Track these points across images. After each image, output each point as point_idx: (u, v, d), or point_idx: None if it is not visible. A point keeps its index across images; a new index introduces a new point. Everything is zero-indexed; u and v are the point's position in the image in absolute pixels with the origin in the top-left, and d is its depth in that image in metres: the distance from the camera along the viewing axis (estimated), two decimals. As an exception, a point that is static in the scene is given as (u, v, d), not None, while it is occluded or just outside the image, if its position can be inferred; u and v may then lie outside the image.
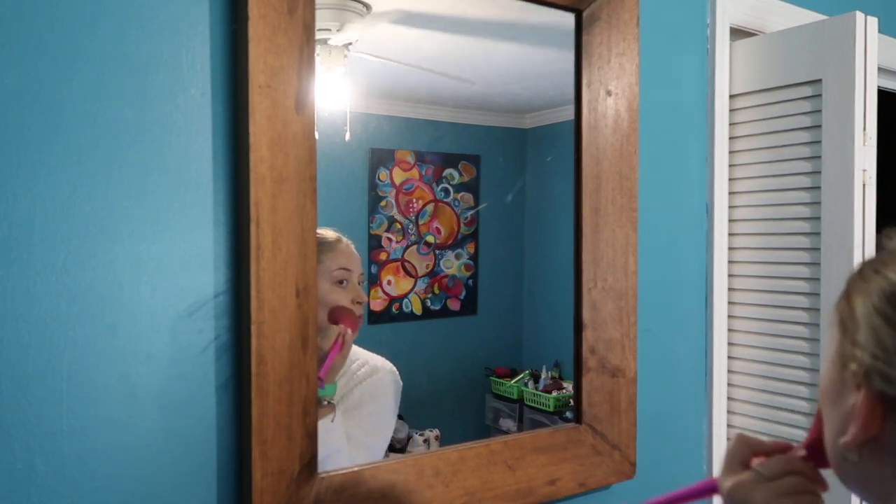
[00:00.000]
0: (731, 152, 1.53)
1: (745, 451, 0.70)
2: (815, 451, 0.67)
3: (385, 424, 1.16)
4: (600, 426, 1.25)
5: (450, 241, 1.30)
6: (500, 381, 1.38)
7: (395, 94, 1.23)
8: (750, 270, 1.53)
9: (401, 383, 1.17)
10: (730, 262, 1.54)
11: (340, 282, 1.11)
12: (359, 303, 1.14)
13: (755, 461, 0.69)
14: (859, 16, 1.37)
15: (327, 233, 1.11)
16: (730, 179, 1.53)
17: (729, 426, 1.54)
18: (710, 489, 0.73)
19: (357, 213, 1.22)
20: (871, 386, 0.55)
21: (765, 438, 0.72)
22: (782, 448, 0.71)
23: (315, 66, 0.94)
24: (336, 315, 1.09)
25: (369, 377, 1.14)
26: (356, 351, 1.15)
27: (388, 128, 1.22)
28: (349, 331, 1.08)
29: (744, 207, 1.53)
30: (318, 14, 0.95)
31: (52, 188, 0.81)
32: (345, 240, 1.14)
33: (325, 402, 1.05)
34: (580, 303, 1.23)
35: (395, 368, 1.17)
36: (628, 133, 1.27)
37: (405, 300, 1.26)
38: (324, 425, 1.01)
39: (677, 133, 1.45)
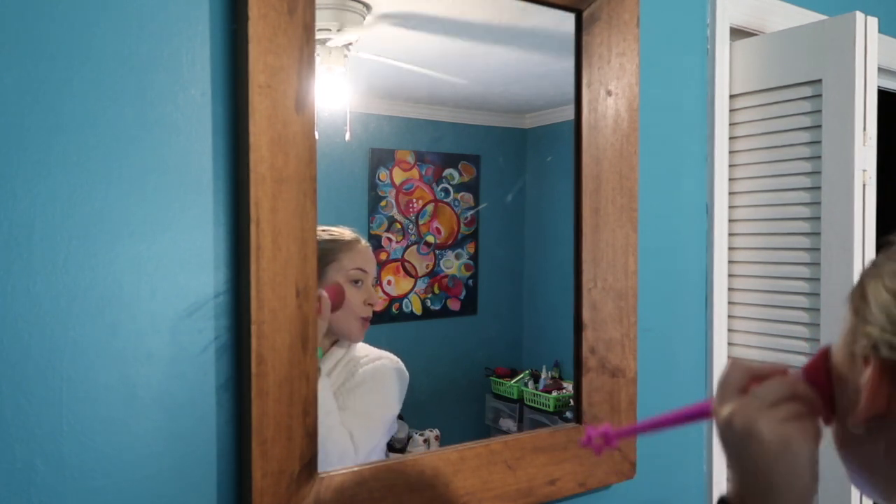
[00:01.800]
0: (731, 152, 1.53)
1: (741, 376, 0.66)
2: (814, 376, 0.65)
3: (387, 400, 1.17)
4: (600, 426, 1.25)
5: (450, 241, 1.30)
6: (500, 381, 1.38)
7: (395, 94, 1.23)
8: (750, 270, 1.53)
9: (406, 374, 1.18)
10: (730, 262, 1.54)
11: (356, 281, 1.13)
12: (370, 304, 1.15)
13: (753, 387, 0.65)
14: (859, 16, 1.37)
15: (345, 232, 1.14)
16: (730, 179, 1.53)
17: (729, 426, 1.54)
18: (703, 412, 0.69)
19: (357, 213, 1.22)
20: (879, 356, 0.57)
21: (760, 363, 0.69)
22: (780, 372, 0.67)
23: (315, 66, 0.94)
24: (327, 285, 1.09)
25: (372, 363, 1.16)
26: (366, 348, 1.16)
27: (388, 128, 1.22)
28: (326, 297, 1.07)
29: (744, 207, 1.54)
30: (319, 14, 0.95)
31: (52, 188, 0.81)
32: (363, 241, 1.17)
33: None
34: (580, 303, 1.23)
35: (400, 361, 1.18)
36: (628, 133, 1.27)
37: (405, 300, 1.26)
38: None
39: (677, 133, 1.45)
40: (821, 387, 0.64)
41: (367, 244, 1.18)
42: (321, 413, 0.98)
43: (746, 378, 0.66)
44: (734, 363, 0.68)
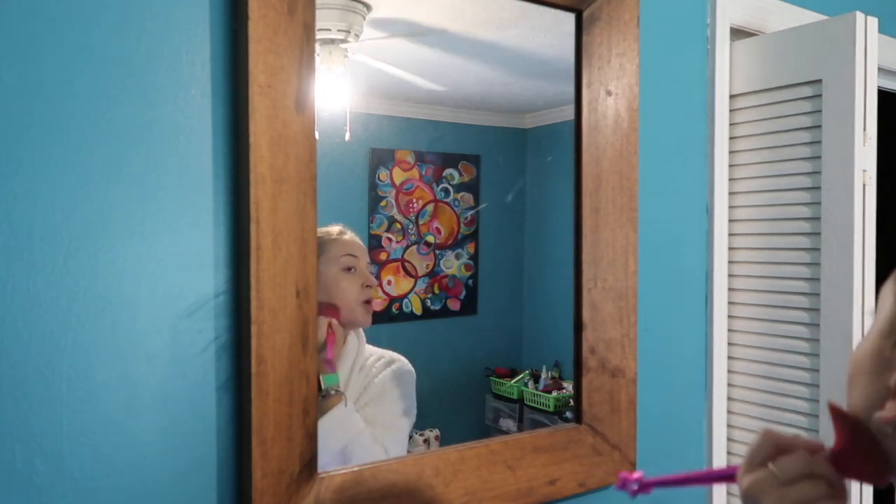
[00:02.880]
0: (731, 152, 1.53)
1: (768, 448, 0.63)
2: (841, 459, 0.62)
3: (409, 407, 1.20)
4: (600, 426, 1.25)
5: (450, 241, 1.30)
6: (500, 381, 1.38)
7: (395, 94, 1.22)
8: (750, 270, 1.53)
9: (414, 373, 1.20)
10: (730, 262, 1.54)
11: (349, 268, 1.14)
12: (368, 286, 1.16)
13: (776, 460, 0.62)
14: (859, 16, 1.37)
15: (331, 228, 1.15)
16: (730, 179, 1.53)
17: (729, 426, 1.54)
18: (731, 476, 0.68)
19: (357, 213, 1.22)
20: None
21: (794, 434, 0.65)
22: (805, 447, 0.63)
23: (315, 66, 0.94)
24: (322, 309, 1.11)
25: (387, 367, 1.17)
26: (370, 348, 1.18)
27: (388, 128, 1.22)
28: (334, 320, 1.11)
29: (744, 207, 1.53)
30: (319, 14, 0.95)
31: (52, 188, 0.81)
32: (349, 232, 1.17)
33: (333, 392, 1.08)
34: (580, 303, 1.23)
35: (406, 360, 1.20)
36: (628, 133, 1.27)
37: (405, 300, 1.26)
38: (339, 413, 1.06)
39: (677, 133, 1.45)
40: (847, 469, 0.61)
41: (354, 234, 1.18)
42: (352, 435, 1.05)
43: (772, 450, 0.63)
44: (764, 434, 0.65)
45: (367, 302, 1.16)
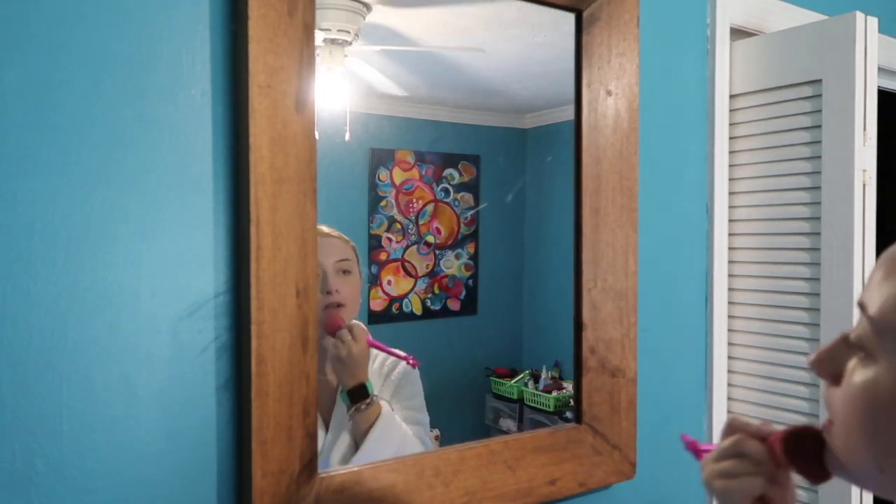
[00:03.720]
0: (731, 152, 1.53)
1: (729, 432, 0.71)
2: (789, 443, 0.65)
3: (423, 402, 1.21)
4: (600, 426, 1.25)
5: (450, 241, 1.30)
6: (500, 381, 1.38)
7: (395, 95, 1.22)
8: (750, 270, 1.53)
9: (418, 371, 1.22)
10: (730, 262, 1.54)
11: None
12: (328, 293, 1.11)
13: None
14: (859, 16, 1.37)
15: None
16: (730, 179, 1.53)
17: (729, 426, 1.54)
18: None
19: (357, 213, 1.22)
20: None
21: (755, 421, 0.71)
22: (754, 432, 0.69)
23: (315, 66, 0.94)
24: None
25: (397, 366, 1.18)
26: (373, 350, 1.18)
27: (388, 128, 1.22)
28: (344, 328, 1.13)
29: (744, 207, 1.53)
30: (319, 14, 0.95)
31: (52, 188, 0.81)
32: (329, 234, 1.11)
33: (365, 404, 1.11)
34: (580, 303, 1.23)
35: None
36: (628, 133, 1.27)
37: (405, 300, 1.26)
38: (387, 420, 1.11)
39: (677, 133, 1.44)
40: (799, 456, 0.65)
41: (336, 237, 1.13)
42: (402, 436, 1.10)
43: (728, 433, 0.71)
44: (728, 420, 0.72)
45: (329, 305, 1.11)
